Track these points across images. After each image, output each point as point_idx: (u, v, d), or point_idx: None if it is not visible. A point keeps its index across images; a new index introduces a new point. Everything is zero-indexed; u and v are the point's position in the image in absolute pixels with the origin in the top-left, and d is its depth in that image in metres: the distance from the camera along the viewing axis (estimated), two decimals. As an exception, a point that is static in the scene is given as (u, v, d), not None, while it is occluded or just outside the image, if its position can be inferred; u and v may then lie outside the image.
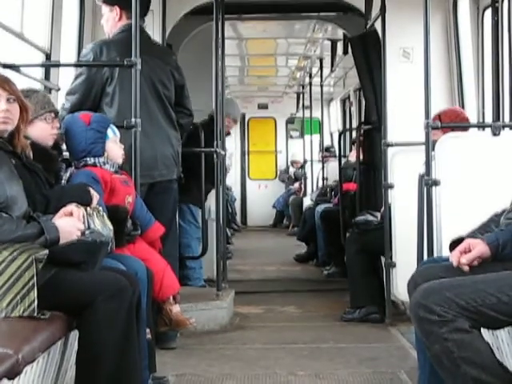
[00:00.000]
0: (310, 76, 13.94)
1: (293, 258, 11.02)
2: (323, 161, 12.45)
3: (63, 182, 4.20)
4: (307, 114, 14.75)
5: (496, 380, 3.06)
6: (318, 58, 12.39)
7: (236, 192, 17.11)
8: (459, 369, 3.06)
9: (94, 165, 4.36)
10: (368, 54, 7.66)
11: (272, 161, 16.11)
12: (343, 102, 14.40)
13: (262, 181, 17.50)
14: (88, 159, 4.37)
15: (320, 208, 9.91)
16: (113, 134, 4.49)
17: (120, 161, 4.51)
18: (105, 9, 5.50)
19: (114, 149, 4.47)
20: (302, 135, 14.54)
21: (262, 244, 13.64)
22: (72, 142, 4.47)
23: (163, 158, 5.37)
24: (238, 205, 16.95)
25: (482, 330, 3.17)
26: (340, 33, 9.88)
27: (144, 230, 4.47)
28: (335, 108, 15.62)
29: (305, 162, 14.30)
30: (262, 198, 17.14)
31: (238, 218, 16.87)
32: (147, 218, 4.57)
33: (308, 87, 14.30)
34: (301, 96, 15.93)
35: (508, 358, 3.55)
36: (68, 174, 4.24)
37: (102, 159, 4.40)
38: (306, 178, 14.11)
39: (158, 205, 5.28)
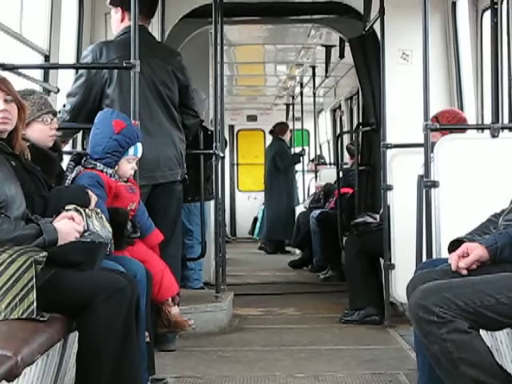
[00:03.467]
0: (302, 85, 13.95)
1: (287, 265, 11.03)
2: (316, 170, 12.54)
3: (68, 181, 4.18)
4: (296, 125, 14.73)
5: (495, 381, 3.06)
6: (311, 66, 12.40)
7: (225, 204, 17.03)
8: (458, 369, 3.06)
9: (102, 171, 4.34)
10: (367, 55, 7.68)
11: (261, 173, 16.21)
12: (333, 111, 14.43)
13: (252, 192, 17.44)
14: (98, 164, 4.35)
15: (315, 213, 9.92)
16: (132, 153, 4.43)
17: (126, 179, 4.47)
18: (112, 10, 5.48)
19: (126, 167, 4.42)
20: (292, 146, 14.61)
21: (254, 253, 13.65)
22: (93, 139, 4.44)
23: (166, 159, 5.35)
24: (227, 216, 16.85)
25: (481, 331, 3.17)
26: (334, 38, 9.89)
27: (143, 236, 4.45)
28: (324, 119, 15.62)
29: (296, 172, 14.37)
30: (251, 209, 17.06)
31: (228, 229, 16.81)
32: (147, 225, 4.55)
33: (298, 98, 14.31)
34: (290, 107, 15.92)
35: (507, 359, 3.55)
36: (74, 174, 4.23)
37: (110, 171, 4.36)
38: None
39: (160, 207, 5.27)
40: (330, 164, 13.89)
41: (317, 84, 12.90)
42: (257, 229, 15.92)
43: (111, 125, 4.40)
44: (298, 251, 11.90)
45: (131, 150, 4.43)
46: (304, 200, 12.71)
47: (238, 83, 14.77)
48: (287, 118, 16.33)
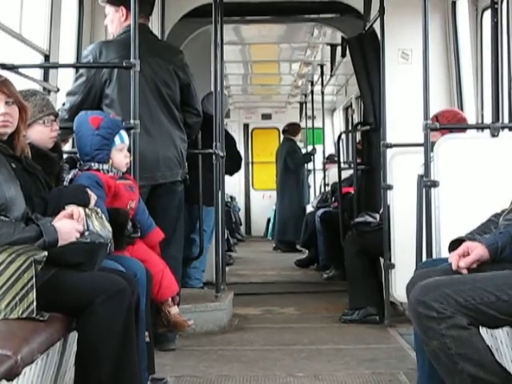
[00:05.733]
0: (312, 84, 13.97)
1: (294, 263, 11.04)
2: (325, 168, 12.54)
3: (65, 183, 4.18)
4: (310, 124, 14.76)
5: (493, 378, 3.06)
6: (319, 65, 12.41)
7: (240, 202, 17.07)
8: (457, 365, 3.06)
9: (98, 170, 4.35)
10: (365, 54, 7.67)
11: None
12: (346, 110, 14.44)
13: (266, 191, 17.40)
14: (93, 164, 4.35)
15: (319, 212, 9.95)
16: (120, 142, 4.42)
17: (124, 169, 4.46)
18: (109, 9, 5.41)
19: (119, 157, 4.41)
20: (305, 145, 14.61)
21: (266, 252, 13.66)
22: (78, 143, 4.45)
23: (165, 159, 5.34)
24: (242, 215, 16.90)
25: (481, 331, 3.17)
26: (339, 37, 9.89)
27: (144, 234, 4.45)
28: (338, 117, 15.63)
29: (309, 171, 14.38)
30: (266, 208, 17.06)
31: (243, 228, 16.80)
32: (148, 223, 4.54)
33: (310, 96, 14.32)
34: (304, 106, 15.93)
35: (507, 359, 3.55)
36: (70, 176, 4.23)
37: (106, 166, 4.36)
38: (309, 187, 14.20)
39: (161, 207, 5.26)
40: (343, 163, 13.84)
41: (325, 82, 12.91)
42: (269, 229, 15.94)
43: (89, 123, 4.41)
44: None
45: (117, 139, 4.41)
46: (310, 200, 12.71)
47: (252, 82, 14.81)
48: (301, 117, 16.34)
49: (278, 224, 13.54)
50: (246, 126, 17.91)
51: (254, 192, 17.80)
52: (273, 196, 16.74)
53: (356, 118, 12.73)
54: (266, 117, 17.99)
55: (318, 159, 14.23)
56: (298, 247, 12.91)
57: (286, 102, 17.05)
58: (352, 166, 10.41)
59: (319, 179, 13.62)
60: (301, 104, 16.52)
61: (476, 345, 3.06)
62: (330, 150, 15.08)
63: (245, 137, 17.72)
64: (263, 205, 17.33)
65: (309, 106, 14.89)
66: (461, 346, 3.04)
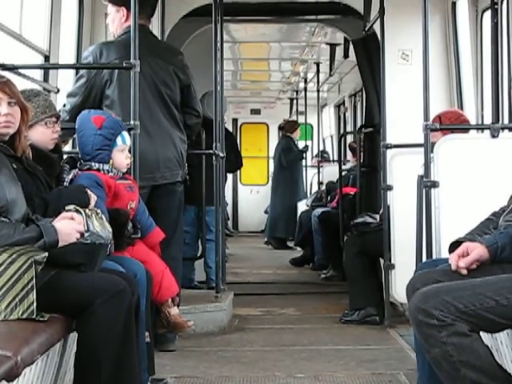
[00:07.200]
0: (306, 81, 13.98)
1: (288, 262, 11.04)
2: (319, 166, 12.55)
3: (65, 183, 4.18)
4: (300, 119, 14.77)
5: (495, 382, 3.06)
6: (315, 63, 12.42)
7: (228, 197, 17.03)
8: (459, 372, 3.05)
9: (98, 170, 4.35)
10: (370, 56, 7.68)
11: (264, 166, 16.09)
12: (337, 107, 14.44)
13: (254, 186, 17.38)
14: (93, 164, 4.35)
15: (317, 212, 9.94)
16: (121, 143, 4.42)
17: (124, 170, 4.47)
18: (111, 8, 5.42)
19: (120, 158, 4.41)
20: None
21: (256, 248, 13.67)
22: (80, 141, 4.45)
23: (165, 160, 5.34)
24: (229, 210, 16.87)
25: (482, 332, 3.17)
26: (339, 37, 9.90)
27: (144, 234, 4.45)
28: (328, 114, 15.64)
29: None
30: (253, 203, 17.03)
31: (230, 222, 16.78)
32: (148, 224, 4.54)
33: (302, 93, 14.34)
34: (294, 102, 15.92)
35: (507, 360, 3.55)
36: (70, 176, 4.22)
37: (106, 166, 4.36)
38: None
39: (161, 208, 5.26)
40: (333, 161, 13.88)
41: (321, 80, 12.91)
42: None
43: (91, 122, 4.41)
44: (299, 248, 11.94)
45: (119, 140, 4.41)
46: (307, 197, 12.73)
47: (242, 78, 14.81)
48: (291, 113, 16.33)
49: (270, 220, 13.61)
50: (234, 121, 17.88)
51: (241, 187, 17.71)
52: (260, 191, 16.72)
53: (349, 116, 12.76)
54: (255, 112, 17.98)
55: (309, 155, 14.27)
56: (289, 244, 12.97)
57: (276, 97, 17.06)
58: (346, 165, 10.48)
59: (310, 176, 13.64)
60: (291, 100, 16.51)
61: (477, 351, 3.05)
62: (320, 146, 15.11)
63: (233, 131, 17.72)
64: (251, 200, 17.27)
65: (300, 102, 14.87)
66: (462, 353, 3.03)
